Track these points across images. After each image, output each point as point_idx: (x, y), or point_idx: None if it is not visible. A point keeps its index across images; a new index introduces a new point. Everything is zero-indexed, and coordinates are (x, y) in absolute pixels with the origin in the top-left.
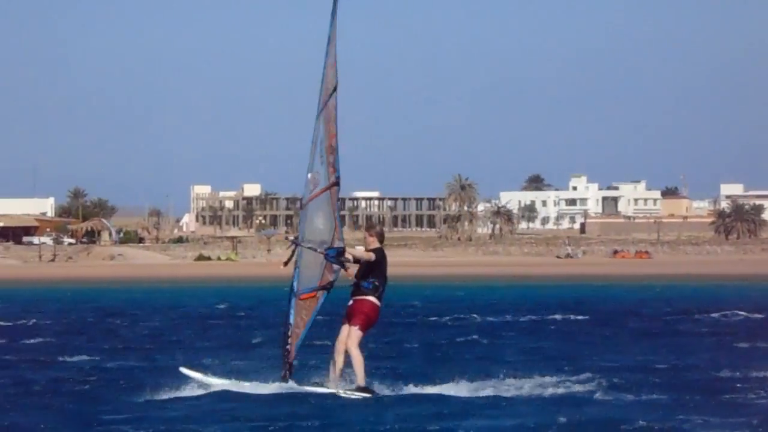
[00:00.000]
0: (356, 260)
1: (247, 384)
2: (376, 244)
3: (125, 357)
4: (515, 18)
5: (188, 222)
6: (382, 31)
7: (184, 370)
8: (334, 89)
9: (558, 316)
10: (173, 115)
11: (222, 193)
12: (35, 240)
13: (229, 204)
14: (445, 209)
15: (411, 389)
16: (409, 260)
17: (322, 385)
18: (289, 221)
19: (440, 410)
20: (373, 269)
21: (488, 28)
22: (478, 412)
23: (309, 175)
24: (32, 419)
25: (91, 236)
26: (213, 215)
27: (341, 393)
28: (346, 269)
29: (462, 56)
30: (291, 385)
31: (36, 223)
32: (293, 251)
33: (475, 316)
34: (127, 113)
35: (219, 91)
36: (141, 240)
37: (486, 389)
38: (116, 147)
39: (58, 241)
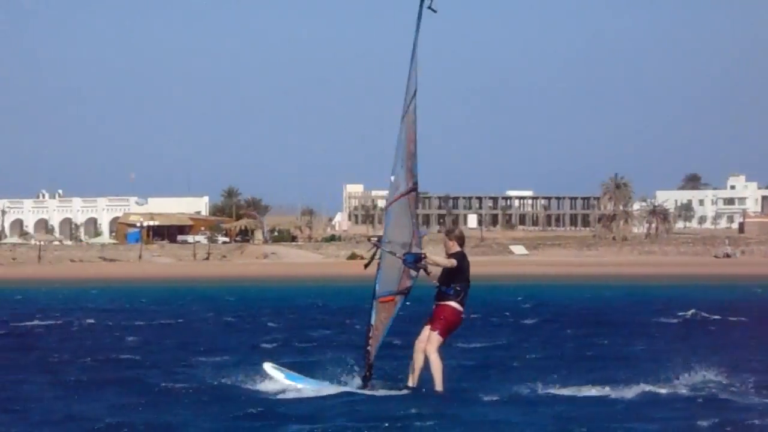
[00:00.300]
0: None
1: (326, 385)
2: (456, 248)
3: (267, 355)
4: (699, 15)
5: (341, 221)
6: (531, 30)
7: (267, 368)
8: (414, 93)
9: (717, 316)
10: (327, 114)
11: (374, 192)
12: (189, 238)
13: (381, 203)
14: (599, 208)
15: (563, 390)
16: (563, 260)
17: (400, 386)
18: (441, 220)
19: (590, 410)
20: (456, 275)
21: (674, 28)
22: (627, 414)
23: (392, 178)
24: (174, 417)
25: (245, 235)
26: (365, 214)
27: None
28: (428, 273)
29: (629, 56)
30: (371, 387)
31: (190, 222)
32: (374, 253)
33: (629, 316)
34: (282, 113)
35: (370, 90)
36: (294, 239)
37: (635, 390)
38: (270, 146)
39: (212, 240)
